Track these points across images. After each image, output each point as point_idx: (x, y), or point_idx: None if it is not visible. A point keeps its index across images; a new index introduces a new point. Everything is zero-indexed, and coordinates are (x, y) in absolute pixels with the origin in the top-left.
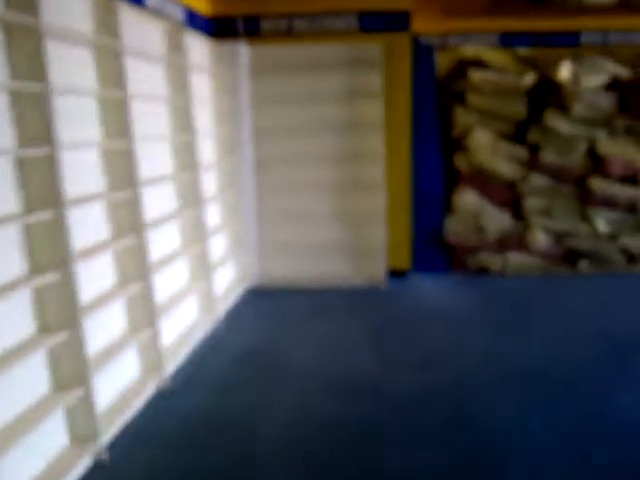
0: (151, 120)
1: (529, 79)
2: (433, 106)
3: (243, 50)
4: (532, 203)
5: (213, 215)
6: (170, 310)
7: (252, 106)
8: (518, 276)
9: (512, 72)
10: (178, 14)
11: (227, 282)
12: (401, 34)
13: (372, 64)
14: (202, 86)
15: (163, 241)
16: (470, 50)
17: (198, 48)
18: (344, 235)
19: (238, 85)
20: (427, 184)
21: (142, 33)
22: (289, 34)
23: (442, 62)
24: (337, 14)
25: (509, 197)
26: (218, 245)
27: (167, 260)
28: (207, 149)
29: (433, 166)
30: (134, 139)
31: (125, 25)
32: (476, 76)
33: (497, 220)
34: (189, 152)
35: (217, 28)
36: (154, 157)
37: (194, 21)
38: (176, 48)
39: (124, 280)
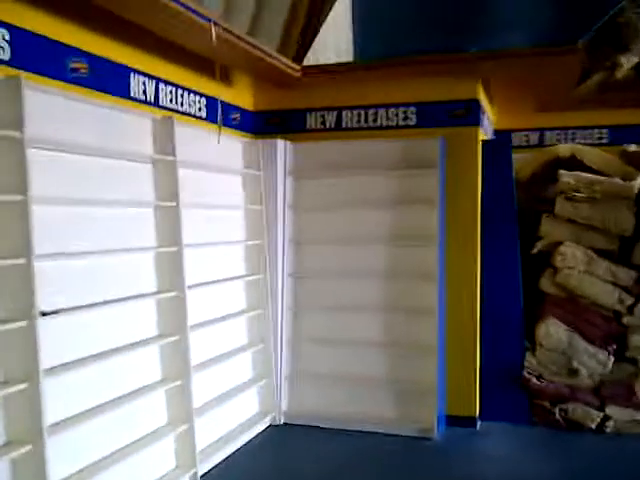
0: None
1: (638, 184)
2: (511, 213)
3: (283, 148)
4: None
5: (237, 336)
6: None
7: (290, 212)
8: (622, 437)
9: (617, 175)
10: (202, 109)
11: (243, 417)
12: (467, 128)
13: (428, 164)
14: (233, 189)
15: (124, 374)
16: (566, 148)
17: (229, 146)
18: (389, 368)
19: (275, 188)
20: (502, 310)
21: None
22: (337, 130)
23: (533, 162)
24: (392, 106)
25: (610, 332)
26: (240, 370)
27: (124, 399)
28: (234, 260)
29: (511, 287)
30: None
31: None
32: (569, 179)
33: (594, 361)
34: (173, 266)
35: (257, 124)
36: (130, 271)
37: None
38: (165, 145)
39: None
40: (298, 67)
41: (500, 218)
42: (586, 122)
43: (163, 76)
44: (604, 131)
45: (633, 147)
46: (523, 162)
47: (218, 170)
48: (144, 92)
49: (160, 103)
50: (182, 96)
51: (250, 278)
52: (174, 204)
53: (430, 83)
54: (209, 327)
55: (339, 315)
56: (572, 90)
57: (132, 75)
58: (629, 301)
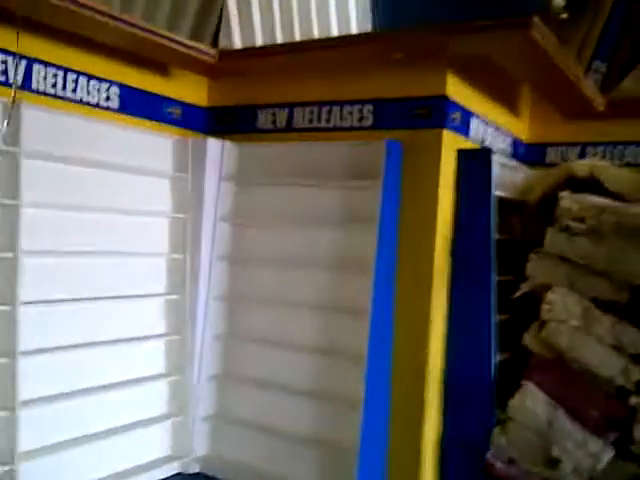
0: None
1: None
2: (485, 245)
3: (217, 149)
4: None
5: (144, 363)
6: None
7: (222, 225)
8: None
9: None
10: (112, 99)
11: (142, 459)
12: (429, 131)
13: (372, 174)
14: (152, 194)
15: None
16: (583, 165)
17: (152, 144)
18: (313, 423)
19: (202, 196)
20: (468, 367)
21: None
22: (288, 130)
23: (545, 180)
24: (347, 103)
25: (610, 414)
26: (147, 403)
27: None
28: (144, 274)
29: (480, 339)
30: None
31: None
32: (571, 204)
33: (582, 452)
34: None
35: (207, 121)
36: None
37: (153, 109)
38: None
39: None
40: (212, 51)
41: (472, 250)
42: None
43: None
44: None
45: None
46: (534, 180)
47: (128, 171)
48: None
49: (34, 88)
50: (75, 82)
51: (167, 297)
52: (15, 202)
53: (390, 73)
54: (98, 349)
55: (270, 352)
56: (611, 89)
57: None
58: (637, 375)
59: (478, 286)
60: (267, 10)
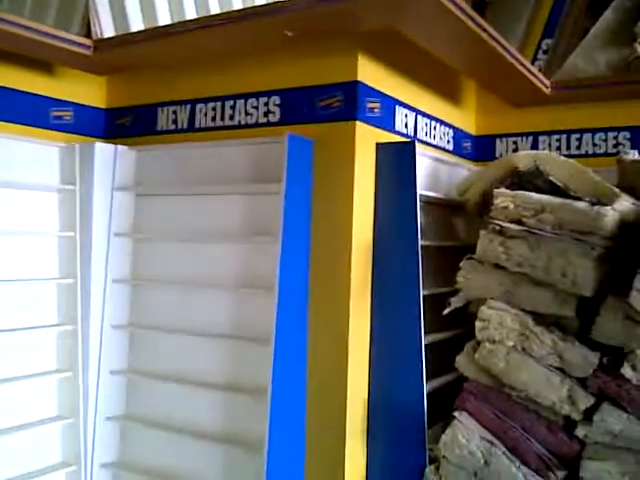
0: None
1: (616, 212)
2: (411, 254)
3: (108, 155)
4: (599, 469)
5: (29, 403)
6: None
7: (119, 242)
8: None
9: (588, 195)
10: None
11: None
12: (343, 125)
13: (274, 177)
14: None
15: None
16: (526, 156)
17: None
18: (216, 467)
19: (91, 209)
20: (394, 396)
21: None
22: (190, 130)
23: (485, 177)
24: (252, 96)
25: (557, 449)
26: (35, 449)
27: None
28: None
29: (408, 364)
30: None
31: None
32: (507, 201)
33: None
34: None
35: (103, 124)
36: None
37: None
38: None
39: None
40: (86, 41)
41: (395, 260)
42: (599, 122)
43: None
44: (624, 134)
45: (635, 155)
46: (475, 176)
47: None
48: None
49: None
50: None
51: (59, 329)
52: None
53: (295, 59)
54: None
55: (172, 388)
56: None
57: None
58: (585, 401)
59: (403, 301)
60: None
